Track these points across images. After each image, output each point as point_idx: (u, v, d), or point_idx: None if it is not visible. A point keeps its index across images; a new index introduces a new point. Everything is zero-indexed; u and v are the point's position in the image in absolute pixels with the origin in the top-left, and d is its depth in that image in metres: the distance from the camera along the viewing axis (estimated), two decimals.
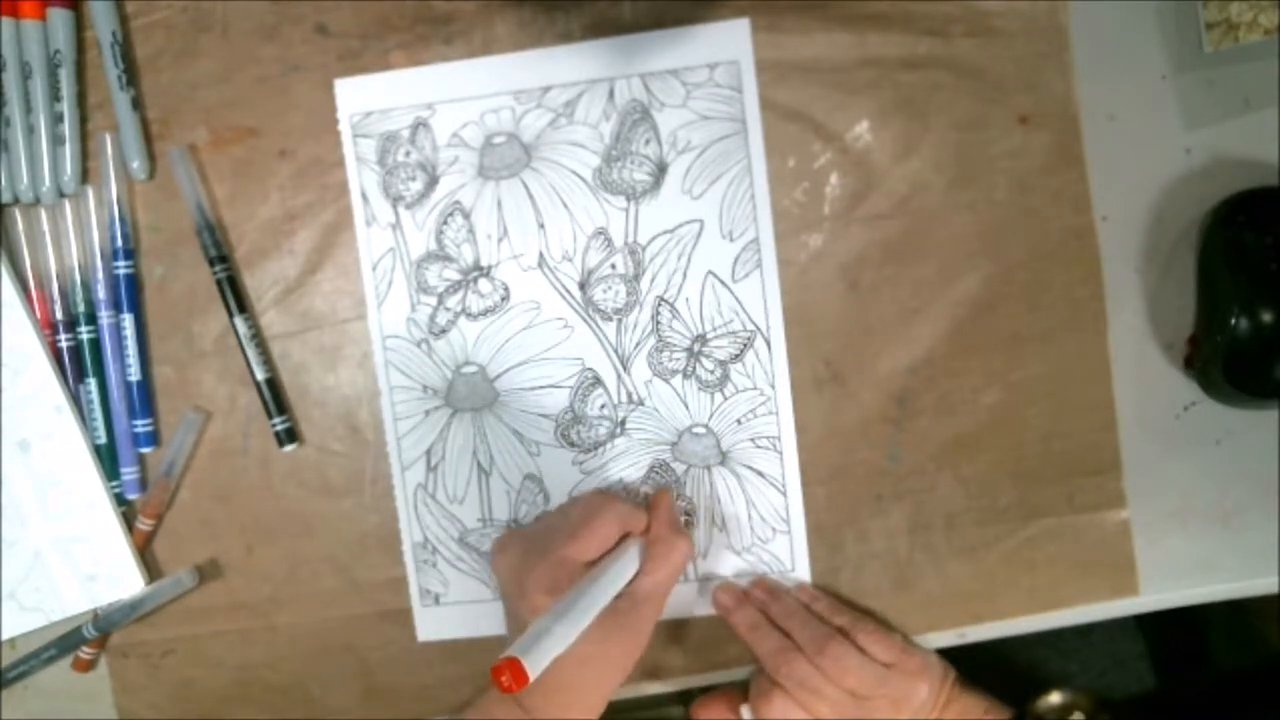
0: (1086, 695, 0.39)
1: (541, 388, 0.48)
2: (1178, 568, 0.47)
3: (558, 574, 0.41)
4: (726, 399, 0.47)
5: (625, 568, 0.42)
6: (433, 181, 0.48)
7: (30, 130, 0.48)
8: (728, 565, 0.48)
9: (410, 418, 0.49)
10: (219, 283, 0.48)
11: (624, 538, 0.44)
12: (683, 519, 0.48)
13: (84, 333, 0.49)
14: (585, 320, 0.48)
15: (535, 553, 0.42)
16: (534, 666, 0.34)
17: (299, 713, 0.50)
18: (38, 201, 0.48)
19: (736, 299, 0.47)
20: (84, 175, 0.49)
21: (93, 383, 0.49)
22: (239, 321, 0.48)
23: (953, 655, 0.48)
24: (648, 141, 0.47)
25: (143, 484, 0.49)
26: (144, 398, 0.49)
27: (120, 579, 0.49)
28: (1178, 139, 0.47)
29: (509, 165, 0.48)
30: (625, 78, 0.47)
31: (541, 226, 0.48)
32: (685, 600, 0.48)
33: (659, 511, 0.45)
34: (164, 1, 0.48)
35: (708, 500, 0.48)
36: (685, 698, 0.60)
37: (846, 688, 0.43)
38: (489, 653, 0.49)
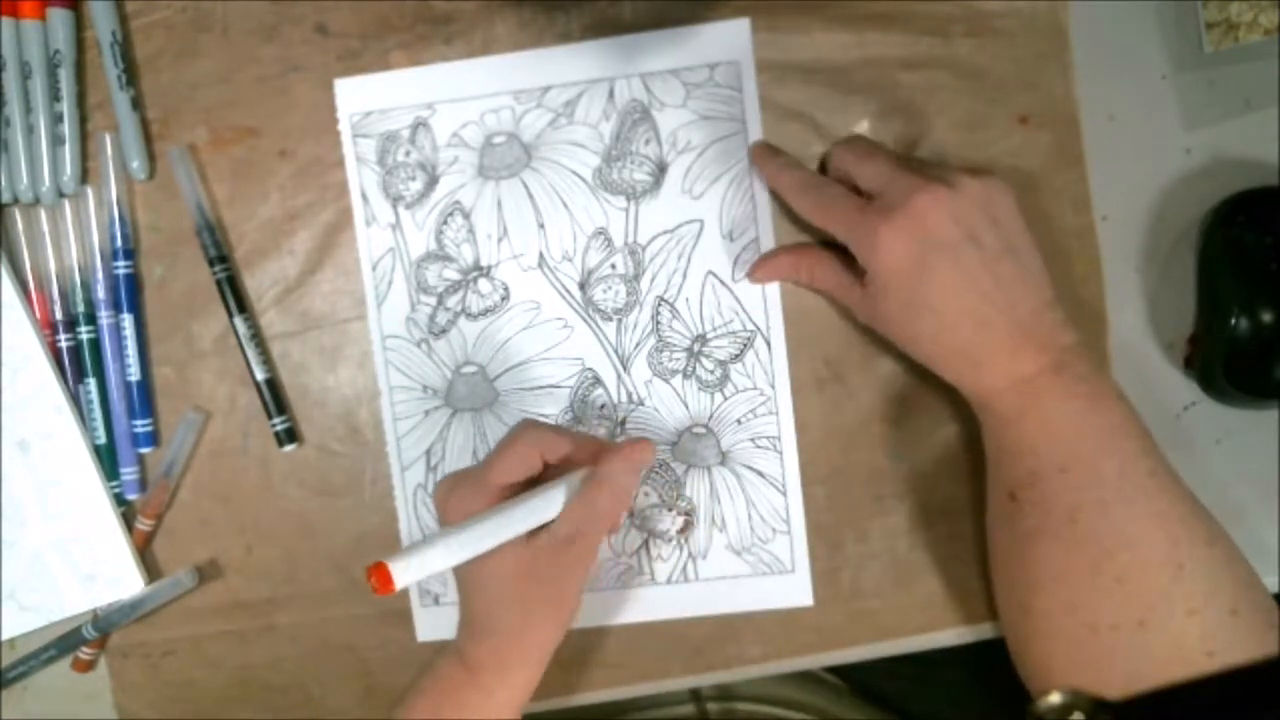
0: (1086, 695, 0.39)
1: (541, 388, 0.48)
2: None
3: (474, 497, 0.40)
4: (726, 399, 0.47)
5: (547, 501, 0.41)
6: (433, 181, 0.48)
7: (30, 130, 0.48)
8: (728, 565, 0.48)
9: (410, 418, 0.49)
10: (219, 283, 0.48)
11: (553, 468, 0.42)
12: (681, 517, 0.48)
13: (84, 333, 0.49)
14: (585, 320, 0.48)
15: (459, 477, 0.42)
16: (401, 574, 0.36)
17: (299, 713, 0.50)
18: (37, 201, 0.48)
19: (736, 299, 0.47)
20: (84, 175, 0.49)
21: (92, 383, 0.49)
22: (239, 321, 0.48)
23: (953, 655, 0.48)
24: (648, 141, 0.47)
25: (142, 484, 0.49)
26: (144, 398, 0.49)
27: (120, 579, 0.49)
28: (1178, 139, 0.47)
29: (509, 165, 0.48)
30: (625, 78, 0.47)
31: (541, 226, 0.48)
32: (685, 601, 0.48)
33: (619, 452, 0.42)
34: (164, 1, 0.48)
35: (708, 500, 0.48)
36: (695, 696, 0.60)
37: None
38: None
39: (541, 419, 0.46)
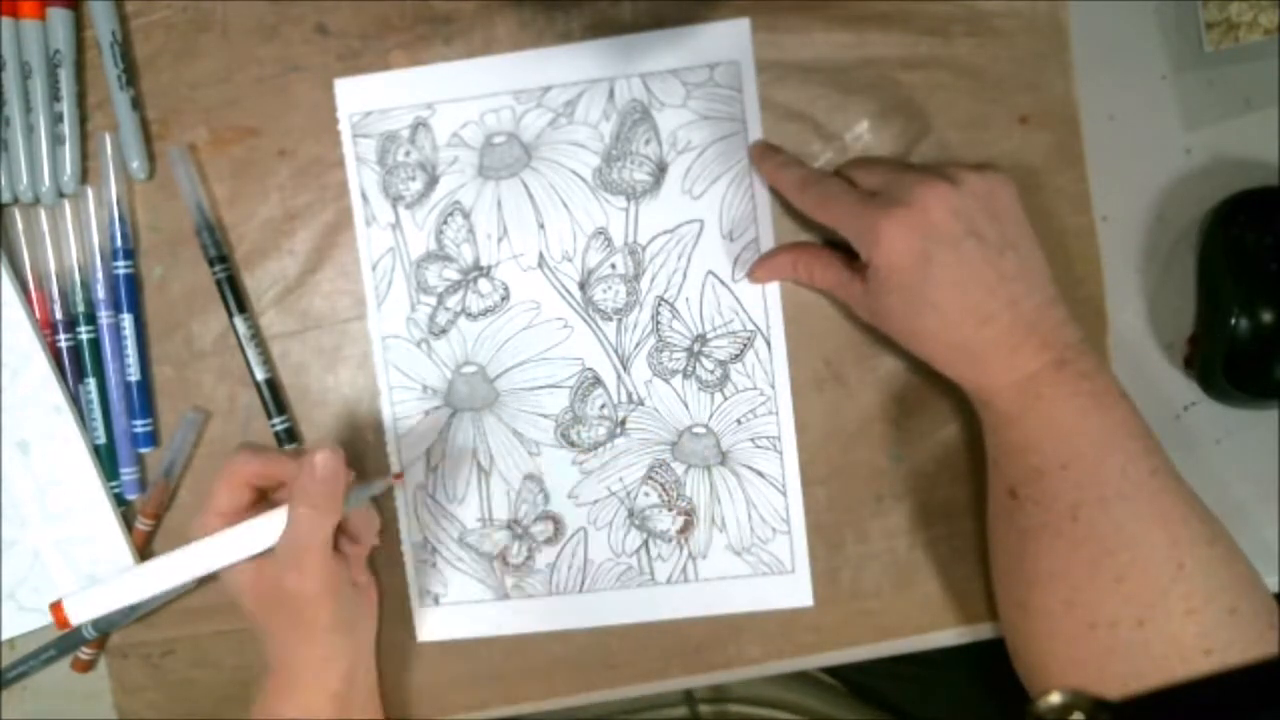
0: (1086, 695, 0.39)
1: (541, 388, 0.48)
2: None
3: (200, 528, 0.42)
4: (726, 399, 0.47)
5: (268, 524, 0.41)
6: (433, 181, 0.48)
7: (30, 130, 0.48)
8: (728, 565, 0.48)
9: (410, 418, 0.49)
10: (219, 283, 0.48)
11: (269, 494, 0.44)
12: (682, 517, 0.48)
13: (83, 333, 0.49)
14: (585, 320, 0.48)
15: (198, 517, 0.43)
16: (75, 611, 0.40)
17: None
18: (37, 201, 0.48)
19: (736, 299, 0.47)
20: (84, 175, 0.49)
21: (92, 383, 0.49)
22: (239, 321, 0.48)
23: (953, 655, 0.48)
24: (648, 141, 0.47)
25: (142, 484, 0.49)
26: (143, 398, 0.49)
27: None
28: (1178, 139, 0.47)
29: (509, 165, 0.48)
30: (625, 78, 0.47)
31: (541, 226, 0.48)
32: (685, 601, 0.48)
33: (300, 476, 0.40)
34: (164, 1, 0.48)
35: (708, 500, 0.48)
36: (688, 698, 0.60)
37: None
38: (489, 653, 0.49)
39: (254, 446, 0.43)
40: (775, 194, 0.47)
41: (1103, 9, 0.46)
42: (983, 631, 0.47)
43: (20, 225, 0.49)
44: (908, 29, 0.46)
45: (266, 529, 0.41)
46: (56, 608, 0.40)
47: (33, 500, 0.49)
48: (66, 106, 0.48)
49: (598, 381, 0.48)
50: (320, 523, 0.41)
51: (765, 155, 0.46)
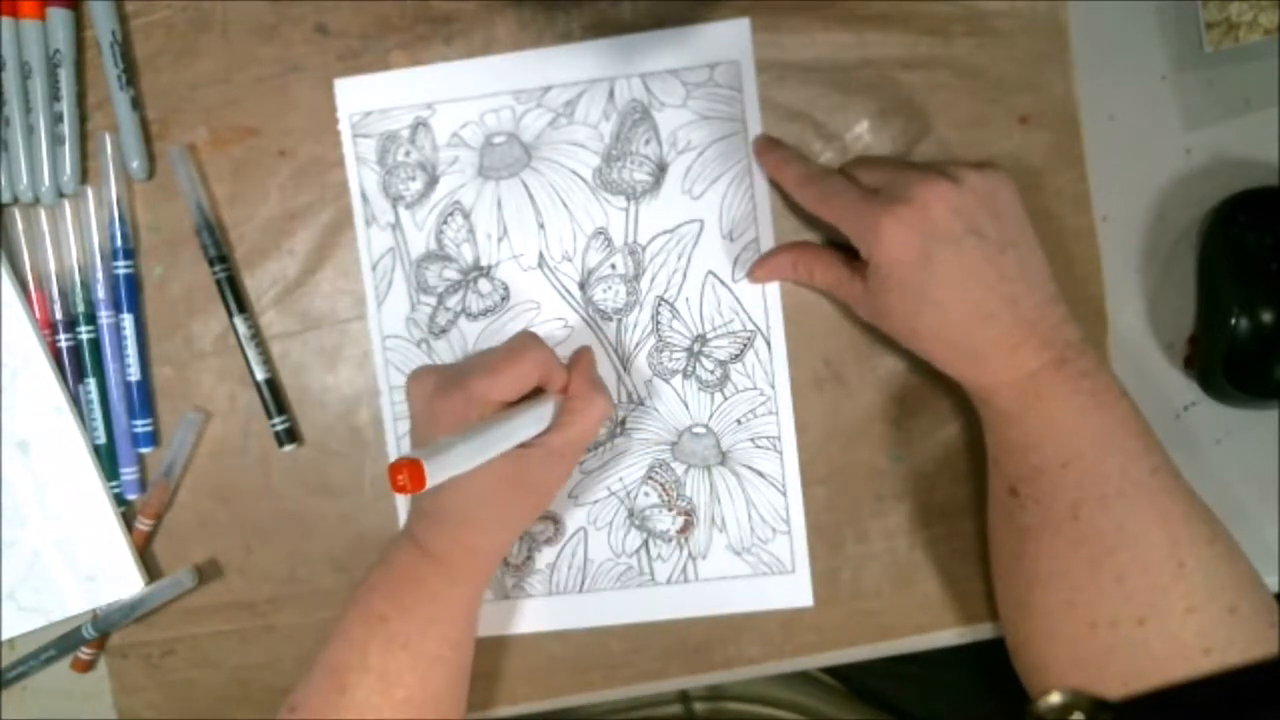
0: (1087, 695, 0.39)
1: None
2: None
3: (470, 406, 0.40)
4: (726, 399, 0.47)
5: (538, 417, 0.41)
6: (433, 181, 0.48)
7: (30, 130, 0.48)
8: (728, 565, 0.48)
9: (410, 418, 0.49)
10: (219, 283, 0.48)
11: (539, 392, 0.43)
12: (681, 517, 0.48)
13: (83, 333, 0.49)
14: (585, 320, 0.48)
15: (452, 382, 0.41)
16: (434, 473, 0.34)
17: None
18: (37, 201, 0.48)
19: (736, 299, 0.47)
20: (84, 175, 0.49)
21: (92, 383, 0.49)
22: (239, 321, 0.48)
23: (954, 655, 0.48)
24: (648, 141, 0.47)
25: (142, 484, 0.49)
26: (143, 398, 0.49)
27: (120, 579, 0.49)
28: (1178, 139, 0.47)
29: (509, 165, 0.48)
30: (625, 78, 0.47)
31: (541, 226, 0.48)
32: (685, 601, 0.48)
33: (579, 368, 0.44)
34: (164, 1, 0.48)
35: (708, 500, 0.48)
36: (683, 697, 0.60)
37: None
38: (489, 653, 0.49)
39: (535, 333, 0.45)
40: (776, 190, 0.47)
41: (1103, 9, 0.46)
42: (983, 631, 0.47)
43: (20, 225, 0.49)
44: (908, 29, 0.46)
45: (543, 418, 0.42)
46: (413, 468, 0.33)
47: (33, 500, 0.49)
48: (66, 106, 0.48)
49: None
50: (602, 422, 0.43)
51: (768, 150, 0.46)
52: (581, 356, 0.46)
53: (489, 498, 0.41)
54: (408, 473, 0.33)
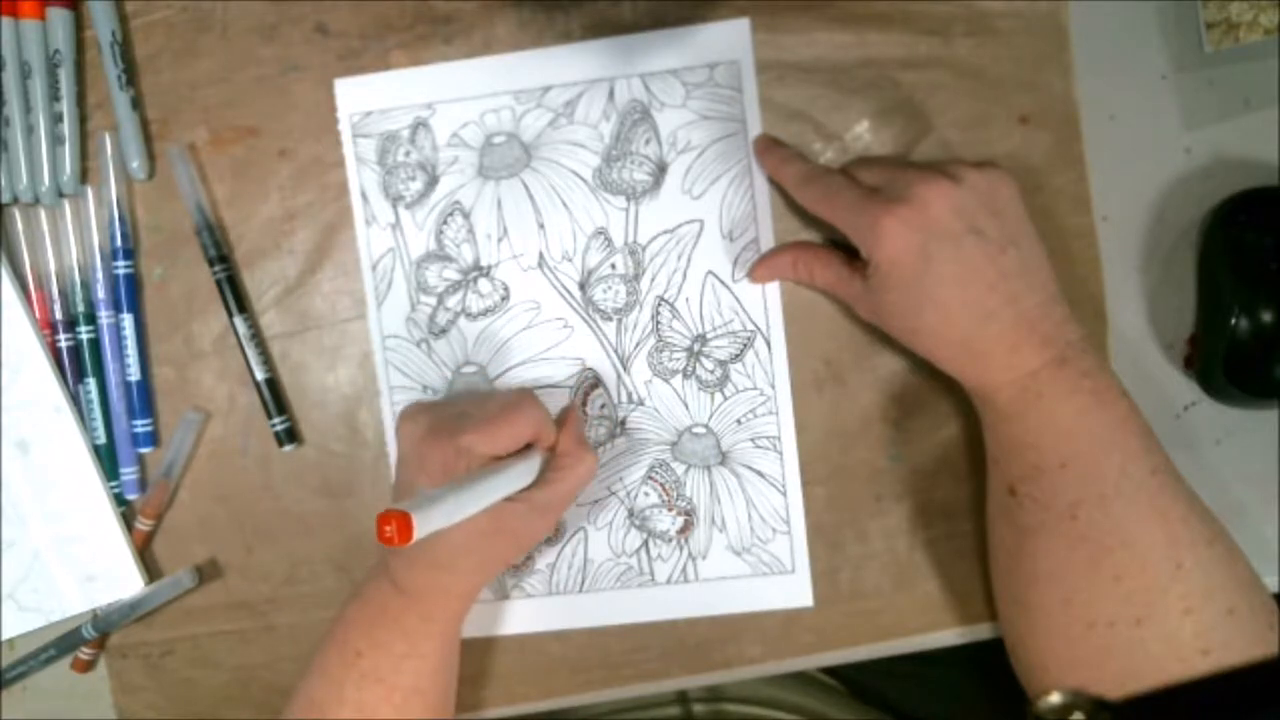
0: (1086, 695, 0.39)
1: (541, 388, 0.48)
2: None
3: (459, 457, 0.40)
4: (726, 399, 0.47)
5: (525, 472, 0.42)
6: (433, 181, 0.48)
7: (30, 130, 0.48)
8: (728, 565, 0.48)
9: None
10: (219, 283, 0.48)
11: (528, 447, 0.44)
12: (681, 517, 0.48)
13: (83, 333, 0.49)
14: (585, 320, 0.48)
15: (444, 431, 0.41)
16: (421, 526, 0.34)
17: None
18: (37, 201, 0.48)
19: (736, 299, 0.47)
20: (84, 175, 0.49)
21: (92, 383, 0.49)
22: (239, 321, 0.48)
23: (954, 654, 0.48)
24: (648, 141, 0.47)
25: (142, 484, 0.49)
26: (143, 398, 0.49)
27: (119, 579, 0.49)
28: (1178, 139, 0.47)
29: (509, 165, 0.48)
30: (625, 78, 0.47)
31: (541, 226, 0.48)
32: (685, 601, 0.48)
33: (568, 427, 0.45)
34: (164, 1, 0.48)
35: (708, 500, 0.48)
36: (682, 697, 0.60)
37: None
38: (488, 653, 0.49)
39: (530, 390, 0.46)
40: (776, 189, 0.47)
41: (1103, 9, 0.46)
42: (982, 631, 0.47)
43: (20, 225, 0.49)
44: (908, 29, 0.46)
45: (528, 473, 0.42)
46: (401, 520, 0.33)
47: (33, 500, 0.49)
48: (66, 106, 0.48)
49: (598, 381, 0.48)
50: (587, 481, 0.45)
51: (768, 149, 0.46)
52: (570, 415, 0.46)
53: (470, 545, 0.41)
54: (396, 524, 0.33)
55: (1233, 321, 0.44)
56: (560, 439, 0.45)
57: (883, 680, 0.61)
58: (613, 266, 0.48)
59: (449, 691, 0.45)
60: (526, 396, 0.44)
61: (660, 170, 0.47)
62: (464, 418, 0.42)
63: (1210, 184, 0.46)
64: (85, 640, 0.49)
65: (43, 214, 0.49)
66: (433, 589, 0.42)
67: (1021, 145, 0.46)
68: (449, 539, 0.40)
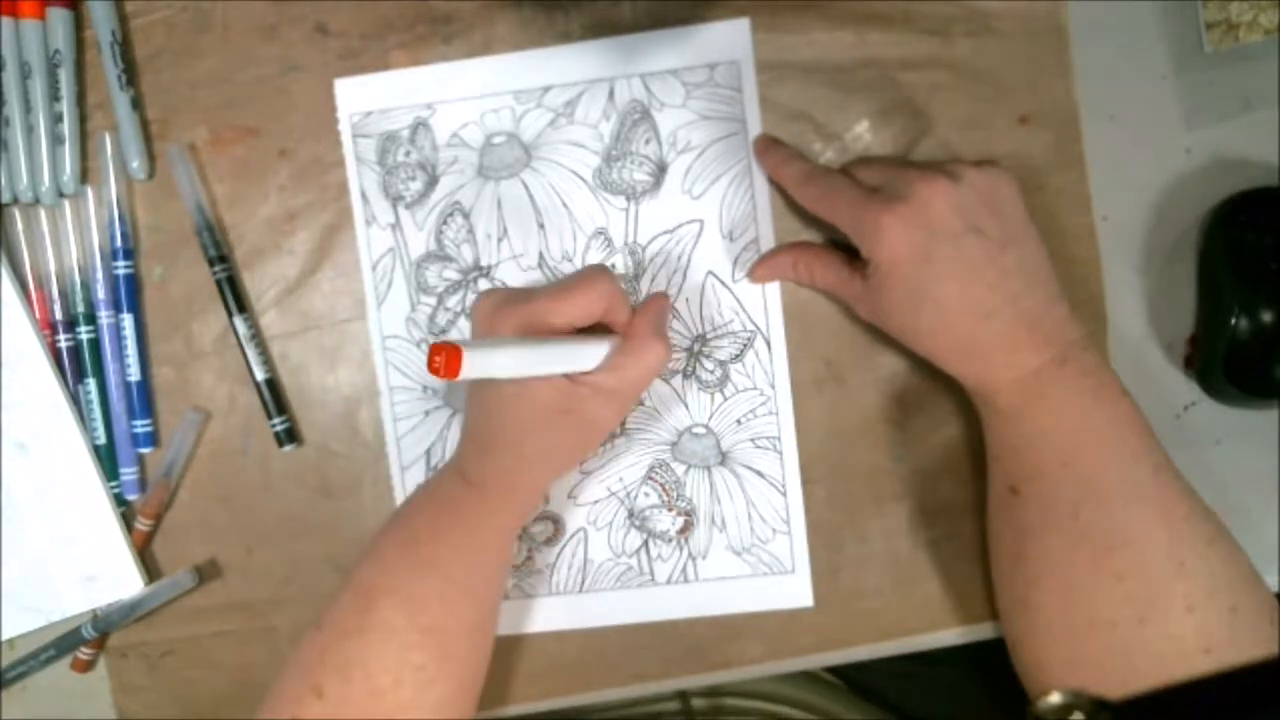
0: (1087, 695, 0.39)
1: None
2: None
3: (529, 324, 0.40)
4: (726, 399, 0.47)
5: (594, 352, 0.41)
6: (433, 181, 0.48)
7: (30, 130, 0.48)
8: (728, 565, 0.48)
9: (410, 418, 0.49)
10: (219, 283, 0.48)
11: (604, 331, 0.43)
12: (681, 517, 0.48)
13: (83, 333, 0.49)
14: None
15: (516, 299, 0.41)
16: (471, 364, 0.33)
17: None
18: (37, 201, 0.48)
19: (736, 299, 0.47)
20: (84, 175, 0.49)
21: (92, 383, 0.49)
22: (239, 321, 0.48)
23: (953, 655, 0.48)
24: (648, 141, 0.47)
25: (142, 484, 0.49)
26: (143, 398, 0.49)
27: (119, 579, 0.49)
28: (1178, 139, 0.47)
29: (509, 165, 0.48)
30: (625, 78, 0.47)
31: (541, 226, 0.48)
32: (685, 601, 0.48)
33: (646, 311, 0.43)
34: (164, 1, 0.48)
35: (708, 500, 0.48)
36: (682, 693, 0.60)
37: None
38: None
39: (606, 267, 0.45)
40: (777, 189, 0.47)
41: (1103, 9, 0.46)
42: (983, 631, 0.47)
43: (20, 225, 0.49)
44: (908, 29, 0.46)
45: (597, 354, 0.41)
46: (452, 352, 0.32)
47: (33, 500, 0.49)
48: (66, 106, 0.48)
49: None
50: (660, 368, 0.42)
51: (768, 149, 0.46)
52: (652, 301, 0.44)
53: (536, 424, 0.40)
54: (445, 356, 0.32)
55: (1233, 321, 0.44)
56: (635, 321, 0.42)
57: (883, 680, 0.61)
58: (613, 266, 0.48)
59: (495, 608, 0.44)
60: (599, 270, 0.43)
61: (660, 170, 0.47)
62: (538, 291, 0.41)
63: (1210, 184, 0.46)
64: (85, 640, 0.49)
65: (43, 214, 0.49)
66: (499, 477, 0.41)
67: (1021, 145, 0.46)
68: (515, 415, 0.40)
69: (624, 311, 0.43)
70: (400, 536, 0.42)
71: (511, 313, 0.40)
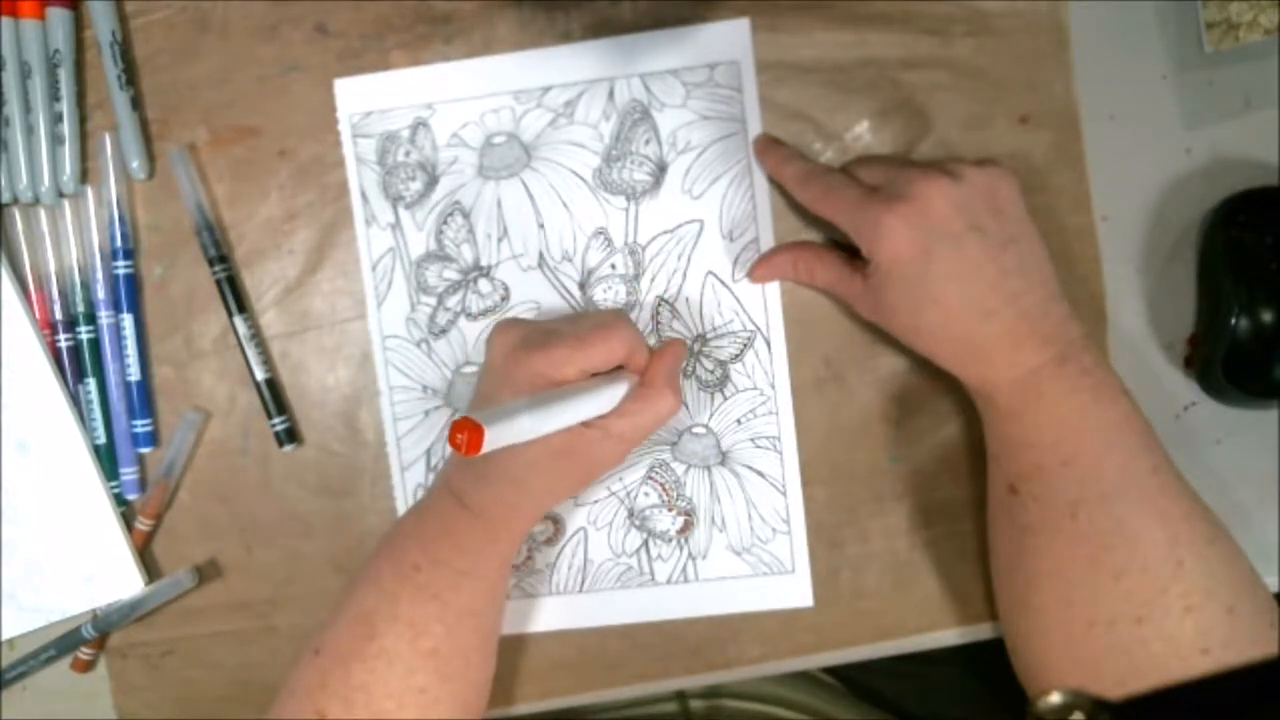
0: (1087, 695, 0.39)
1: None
2: None
3: (547, 373, 0.40)
4: (726, 399, 0.47)
5: (610, 396, 0.41)
6: (433, 181, 0.48)
7: (30, 130, 0.48)
8: (728, 565, 0.48)
9: (410, 418, 0.49)
10: (219, 283, 0.48)
11: (618, 370, 0.43)
12: (681, 517, 0.48)
13: (83, 333, 0.49)
14: None
15: (535, 343, 0.41)
16: (493, 438, 0.33)
17: None
18: (37, 201, 0.48)
19: (736, 299, 0.47)
20: (83, 175, 0.49)
21: (92, 383, 0.49)
22: (239, 321, 0.48)
23: (954, 654, 0.48)
24: (648, 141, 0.47)
25: (142, 484, 0.49)
26: (143, 398, 0.49)
27: (119, 579, 0.49)
28: (1178, 139, 0.47)
29: (509, 165, 0.48)
30: (625, 78, 0.47)
31: (541, 226, 0.48)
32: (685, 601, 0.48)
33: (662, 358, 0.43)
34: (164, 1, 0.48)
35: (708, 500, 0.48)
36: (680, 694, 0.60)
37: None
38: None
39: (625, 312, 0.46)
40: (777, 189, 0.47)
41: (1103, 9, 0.46)
42: (982, 631, 0.47)
43: (20, 225, 0.49)
44: (908, 29, 0.46)
45: (613, 398, 0.41)
46: (473, 429, 0.32)
47: (33, 500, 0.49)
48: (66, 106, 0.48)
49: None
50: (670, 414, 0.42)
51: (769, 149, 0.46)
52: (669, 349, 0.44)
53: (540, 465, 0.40)
54: (468, 434, 0.32)
55: (1233, 321, 0.44)
56: (652, 368, 0.43)
57: (882, 680, 0.61)
58: (613, 266, 0.48)
59: (497, 622, 0.44)
60: (621, 317, 0.43)
61: (660, 170, 0.47)
62: (558, 334, 0.41)
63: (1210, 184, 0.46)
64: (85, 640, 0.49)
65: (43, 214, 0.49)
66: (499, 507, 0.41)
67: (1021, 145, 0.46)
68: (523, 454, 0.40)
69: (643, 356, 0.43)
70: (398, 561, 0.42)
71: (530, 360, 0.40)
